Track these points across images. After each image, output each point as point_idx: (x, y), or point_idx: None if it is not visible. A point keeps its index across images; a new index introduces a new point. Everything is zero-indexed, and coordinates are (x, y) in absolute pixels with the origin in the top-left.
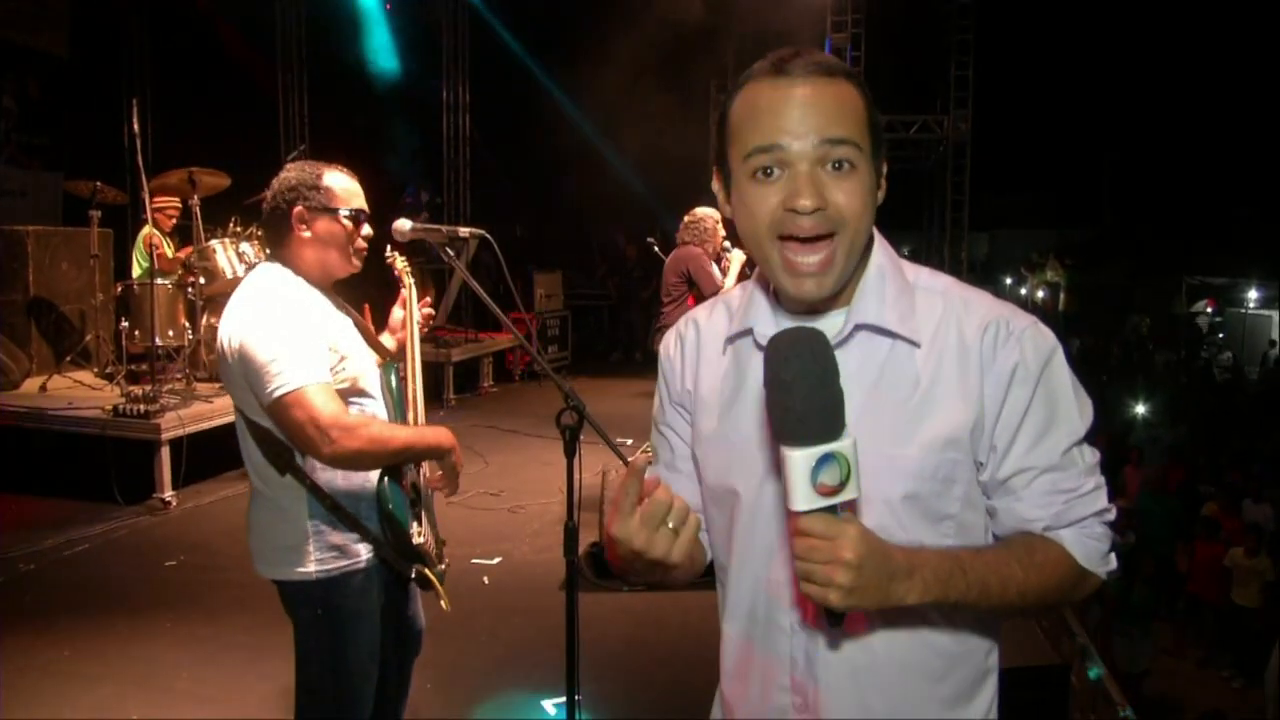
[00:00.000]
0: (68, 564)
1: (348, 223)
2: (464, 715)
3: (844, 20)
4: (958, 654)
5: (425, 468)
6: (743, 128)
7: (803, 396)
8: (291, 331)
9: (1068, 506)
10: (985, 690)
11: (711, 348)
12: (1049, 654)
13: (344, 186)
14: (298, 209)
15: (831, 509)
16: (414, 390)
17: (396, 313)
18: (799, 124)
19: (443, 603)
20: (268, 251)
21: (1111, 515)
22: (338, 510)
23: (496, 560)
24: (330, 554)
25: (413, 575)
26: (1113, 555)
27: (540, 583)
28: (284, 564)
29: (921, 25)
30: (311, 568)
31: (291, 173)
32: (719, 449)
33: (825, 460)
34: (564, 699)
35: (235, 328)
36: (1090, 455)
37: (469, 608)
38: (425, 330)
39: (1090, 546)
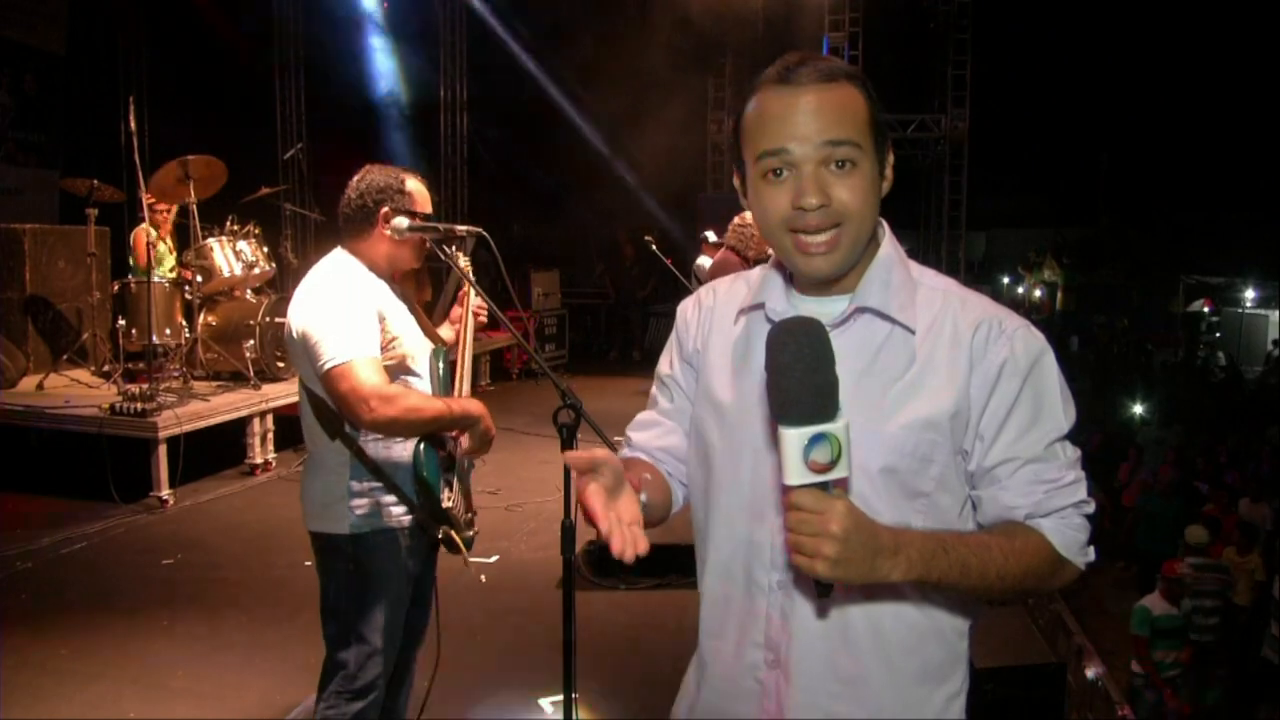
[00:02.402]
0: (64, 562)
1: None
2: (461, 714)
3: (841, 19)
4: (928, 630)
5: (462, 441)
6: (753, 133)
7: (798, 379)
8: (345, 311)
9: (1048, 496)
10: (954, 676)
11: (725, 315)
12: (1045, 653)
13: (421, 193)
14: (385, 209)
15: (823, 485)
16: (461, 373)
17: (456, 309)
18: (802, 129)
19: (469, 565)
20: (265, 250)
21: (1090, 508)
22: (379, 474)
23: (493, 559)
24: (364, 514)
25: (440, 536)
26: (1091, 548)
27: (537, 581)
28: (323, 518)
29: (919, 25)
30: (346, 524)
31: (377, 176)
32: (718, 411)
33: (817, 439)
34: (561, 697)
35: (299, 308)
36: (1072, 451)
37: (466, 606)
38: (480, 323)
39: (1069, 536)
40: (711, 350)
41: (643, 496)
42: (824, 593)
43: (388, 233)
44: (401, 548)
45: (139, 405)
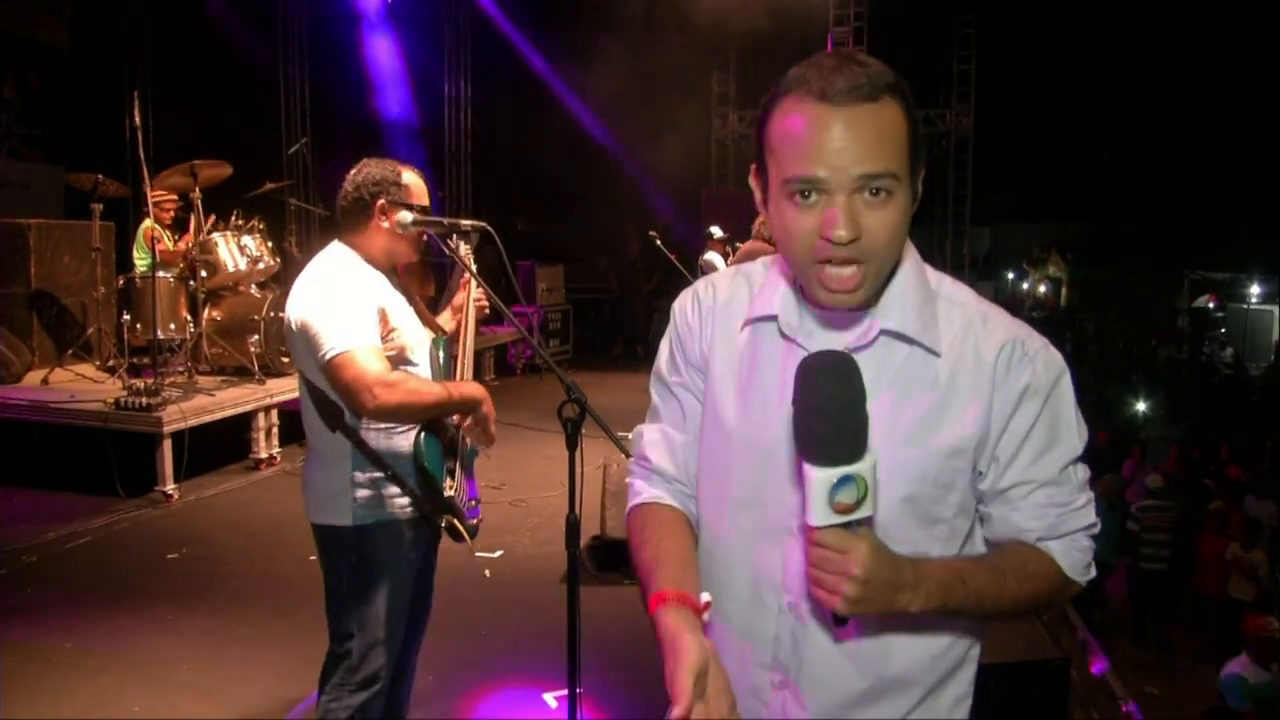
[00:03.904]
0: (69, 556)
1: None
2: (465, 708)
3: (846, 14)
4: (940, 647)
5: (465, 425)
6: (782, 149)
7: (829, 421)
8: (344, 302)
9: (1060, 519)
10: (958, 682)
11: (730, 321)
12: (1050, 649)
13: (418, 185)
14: (380, 202)
15: (846, 524)
16: (463, 363)
17: (459, 296)
18: (838, 158)
19: (474, 553)
20: (270, 245)
21: (1096, 529)
22: (380, 465)
23: (498, 554)
24: (367, 505)
25: (444, 525)
26: (1093, 566)
27: (541, 576)
28: (326, 511)
29: (923, 19)
30: (349, 515)
31: (374, 169)
32: (727, 430)
33: (844, 481)
34: (565, 692)
35: (298, 300)
36: (1084, 472)
37: (470, 601)
38: (481, 313)
39: (1076, 558)
40: (717, 360)
41: (706, 617)
42: (840, 623)
43: (385, 225)
44: (405, 538)
45: (144, 400)
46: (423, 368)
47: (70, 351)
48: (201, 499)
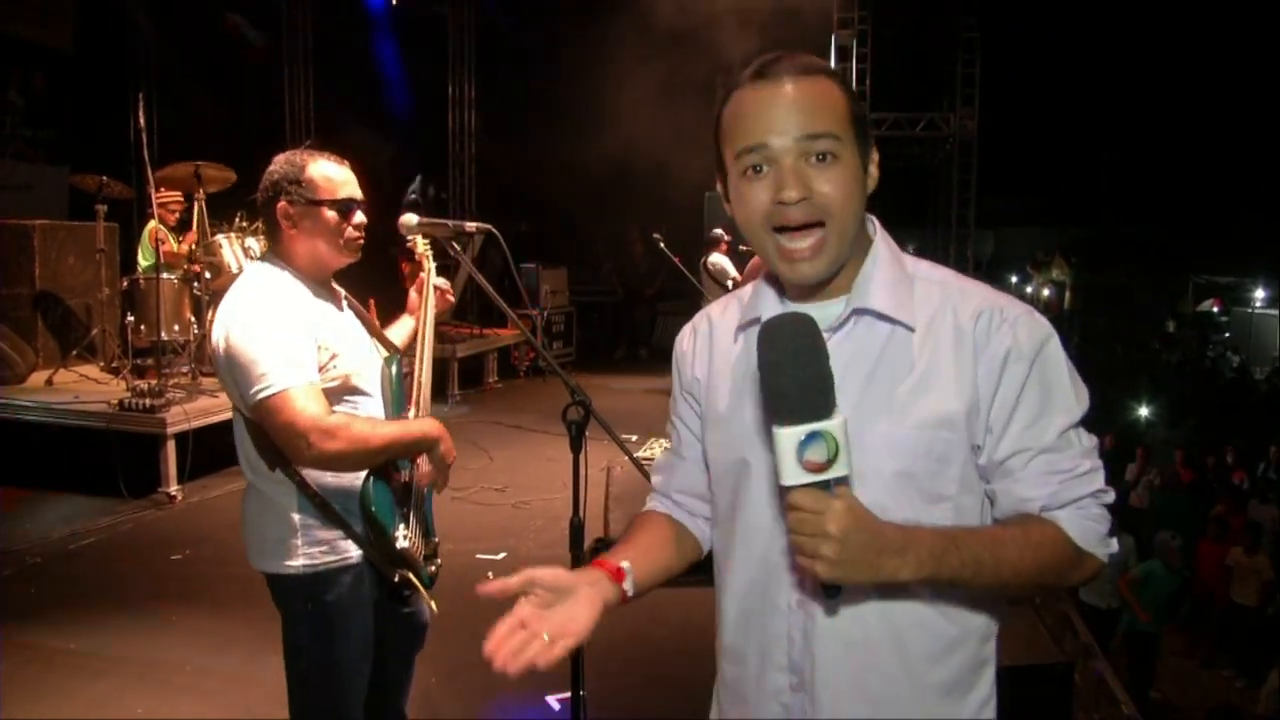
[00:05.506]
0: (73, 557)
1: (333, 214)
2: (468, 711)
3: (850, 18)
4: (954, 637)
5: (419, 465)
6: (731, 130)
7: (788, 377)
8: (276, 333)
9: (1064, 486)
10: (982, 683)
11: (724, 338)
12: (1052, 652)
13: (327, 176)
14: (281, 205)
15: (824, 484)
16: (420, 378)
17: (414, 295)
18: (781, 122)
19: (431, 605)
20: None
21: (1109, 497)
22: (325, 507)
23: (501, 556)
24: (318, 549)
25: (396, 579)
26: (1113, 539)
27: None
28: (273, 557)
29: (928, 23)
30: (299, 562)
31: (277, 166)
32: (727, 431)
33: (812, 438)
34: (568, 694)
35: (224, 328)
36: (1087, 439)
37: (473, 603)
38: (446, 308)
39: (1087, 527)
40: (714, 375)
41: (627, 586)
42: (831, 594)
43: (293, 231)
44: (365, 579)
45: (147, 401)
46: (375, 396)
47: (74, 352)
48: (205, 500)
